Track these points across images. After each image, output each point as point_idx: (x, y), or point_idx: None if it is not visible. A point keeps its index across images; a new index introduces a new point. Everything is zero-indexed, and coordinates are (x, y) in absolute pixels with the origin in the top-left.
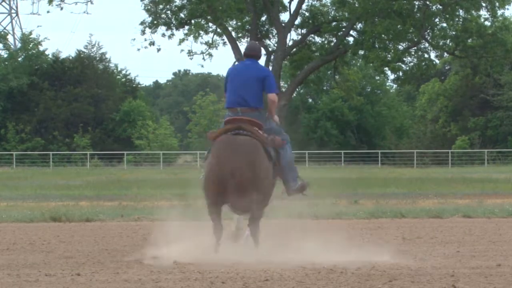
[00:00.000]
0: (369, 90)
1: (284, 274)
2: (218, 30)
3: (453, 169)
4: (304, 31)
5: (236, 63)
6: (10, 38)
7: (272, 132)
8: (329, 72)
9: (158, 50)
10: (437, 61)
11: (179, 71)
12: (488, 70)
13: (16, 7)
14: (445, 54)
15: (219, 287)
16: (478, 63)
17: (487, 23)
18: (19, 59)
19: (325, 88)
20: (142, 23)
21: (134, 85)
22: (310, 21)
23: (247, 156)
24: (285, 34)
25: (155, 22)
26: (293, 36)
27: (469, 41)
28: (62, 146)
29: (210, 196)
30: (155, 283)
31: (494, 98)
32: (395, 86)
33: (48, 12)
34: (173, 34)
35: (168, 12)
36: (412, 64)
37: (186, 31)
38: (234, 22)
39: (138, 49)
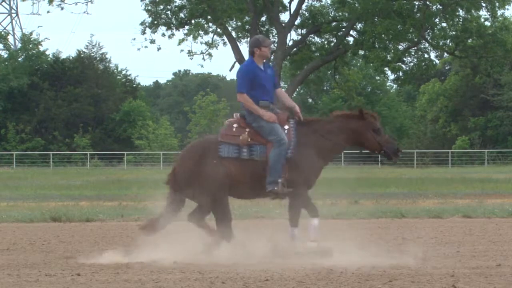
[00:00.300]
0: (369, 90)
1: (284, 274)
2: (218, 30)
3: (453, 169)
4: (304, 31)
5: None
6: (10, 38)
7: (262, 131)
8: (329, 72)
9: (158, 49)
10: (437, 61)
11: (179, 71)
12: (488, 70)
13: (16, 7)
14: (445, 54)
15: (219, 287)
16: (478, 63)
17: (487, 23)
18: (19, 59)
19: (325, 88)
20: (142, 23)
21: (134, 85)
22: (310, 21)
23: (181, 152)
24: (285, 34)
25: (155, 22)
26: (293, 36)
27: (469, 41)
28: (62, 146)
29: None
30: (155, 283)
31: (494, 98)
32: (395, 86)
33: (48, 12)
34: (173, 34)
35: (168, 12)
36: (412, 64)
37: (186, 31)
38: (234, 22)
39: (138, 49)
